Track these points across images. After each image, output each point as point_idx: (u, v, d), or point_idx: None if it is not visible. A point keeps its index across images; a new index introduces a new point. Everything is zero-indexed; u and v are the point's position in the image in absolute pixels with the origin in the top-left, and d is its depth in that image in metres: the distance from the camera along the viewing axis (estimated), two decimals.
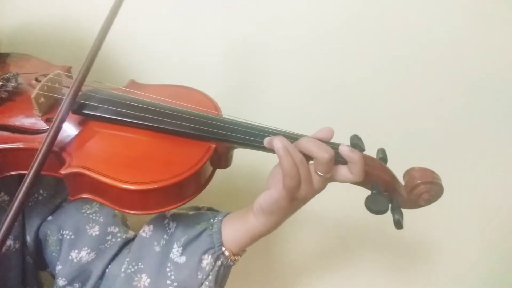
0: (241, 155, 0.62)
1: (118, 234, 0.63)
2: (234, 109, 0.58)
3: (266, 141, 0.53)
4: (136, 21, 0.77)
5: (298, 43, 0.83)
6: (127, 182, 0.49)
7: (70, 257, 0.61)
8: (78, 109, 0.55)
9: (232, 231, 0.57)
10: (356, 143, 0.58)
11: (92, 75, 0.54)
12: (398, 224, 0.56)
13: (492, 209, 0.99)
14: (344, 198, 0.87)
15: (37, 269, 0.67)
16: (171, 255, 0.57)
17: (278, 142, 0.50)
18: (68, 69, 0.66)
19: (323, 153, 0.50)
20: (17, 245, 0.61)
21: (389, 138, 0.62)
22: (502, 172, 0.96)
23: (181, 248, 0.57)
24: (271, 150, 0.55)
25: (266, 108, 0.85)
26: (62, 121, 0.49)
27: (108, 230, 0.63)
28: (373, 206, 0.53)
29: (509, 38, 0.84)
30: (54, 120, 0.49)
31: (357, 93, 0.88)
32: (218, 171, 0.59)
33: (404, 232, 1.00)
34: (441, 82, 0.88)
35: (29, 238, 0.63)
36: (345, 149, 0.52)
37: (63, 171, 0.50)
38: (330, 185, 0.56)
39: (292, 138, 0.54)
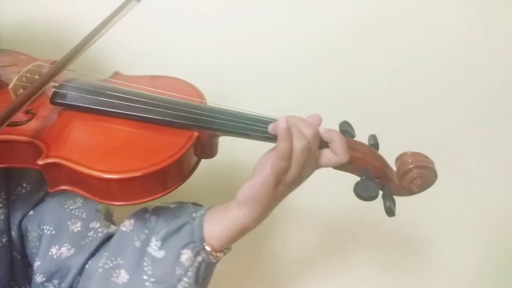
0: (229, 149, 0.60)
1: (100, 229, 0.61)
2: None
3: (270, 127, 0.52)
4: (128, 16, 0.77)
5: (288, 38, 0.83)
6: (104, 171, 0.48)
7: (50, 253, 0.59)
8: (55, 98, 0.55)
9: (214, 225, 0.55)
10: (346, 129, 0.57)
11: (75, 66, 0.54)
12: (390, 211, 0.54)
13: (492, 208, 0.98)
14: (337, 195, 0.86)
15: (27, 265, 0.66)
16: (148, 249, 0.55)
17: (284, 122, 0.49)
18: (53, 63, 0.65)
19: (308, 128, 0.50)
20: (4, 240, 0.60)
21: (386, 134, 0.60)
22: (502, 171, 0.95)
23: (160, 242, 0.55)
24: (255, 137, 0.54)
25: (258, 103, 0.85)
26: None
27: (90, 226, 0.61)
28: (362, 192, 0.51)
29: (510, 38, 0.84)
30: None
31: (353, 87, 0.87)
32: (206, 166, 0.58)
33: (402, 231, 1.00)
34: (442, 80, 0.87)
35: (13, 233, 0.61)
36: (321, 130, 0.51)
37: (40, 162, 0.50)
38: (323, 182, 0.55)
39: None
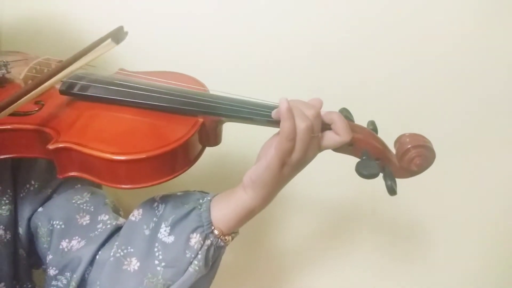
0: (233, 138, 0.61)
1: (108, 221, 0.62)
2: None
3: (273, 112, 0.53)
4: (127, 14, 0.80)
5: (288, 38, 0.85)
6: (113, 153, 0.50)
7: (60, 247, 0.60)
8: (65, 89, 0.57)
9: (222, 209, 0.56)
10: (345, 115, 0.59)
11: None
12: (391, 190, 0.55)
13: (493, 207, 0.98)
14: (339, 185, 0.87)
15: (31, 265, 0.66)
16: (159, 235, 0.56)
17: (284, 102, 0.50)
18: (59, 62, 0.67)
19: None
20: (8, 236, 0.61)
21: (387, 134, 0.61)
22: (503, 170, 0.95)
23: (169, 227, 0.55)
24: (259, 121, 0.55)
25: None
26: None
27: (99, 219, 0.62)
28: (363, 169, 0.53)
29: (510, 38, 0.85)
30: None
31: (353, 87, 0.88)
32: (210, 155, 0.59)
33: (402, 228, 0.98)
34: (442, 80, 0.88)
35: (21, 230, 0.62)
36: (322, 112, 0.53)
37: (51, 146, 0.51)
38: (325, 172, 0.55)
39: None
